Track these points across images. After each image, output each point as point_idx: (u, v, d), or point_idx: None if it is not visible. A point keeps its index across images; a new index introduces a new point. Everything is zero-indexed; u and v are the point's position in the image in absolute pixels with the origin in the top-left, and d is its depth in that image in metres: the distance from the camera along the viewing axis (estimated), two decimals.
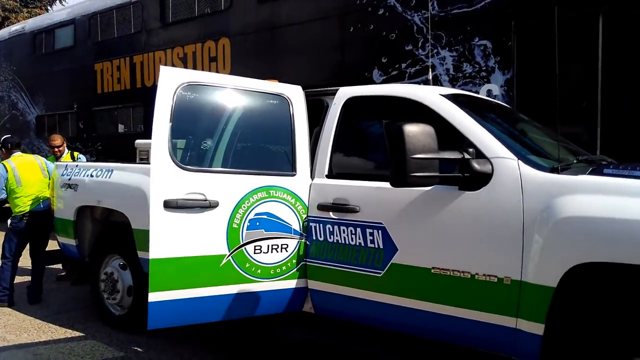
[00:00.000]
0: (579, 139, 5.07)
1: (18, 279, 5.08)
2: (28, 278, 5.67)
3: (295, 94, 3.24)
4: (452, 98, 2.90)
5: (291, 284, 3.06)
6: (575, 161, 2.76)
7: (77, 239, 4.51)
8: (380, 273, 2.79)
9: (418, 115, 2.83)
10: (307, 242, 3.08)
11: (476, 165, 2.50)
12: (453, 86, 5.85)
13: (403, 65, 6.25)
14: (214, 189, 2.81)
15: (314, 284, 3.08)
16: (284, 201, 3.02)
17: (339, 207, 2.96)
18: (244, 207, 2.88)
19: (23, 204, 4.87)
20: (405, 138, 2.35)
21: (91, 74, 9.70)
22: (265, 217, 2.96)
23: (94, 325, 4.13)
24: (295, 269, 3.06)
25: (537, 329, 2.30)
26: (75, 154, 6.16)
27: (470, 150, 2.54)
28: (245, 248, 2.89)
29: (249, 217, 2.90)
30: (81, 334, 3.96)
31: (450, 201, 2.58)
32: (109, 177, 4.19)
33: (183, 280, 2.71)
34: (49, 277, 5.76)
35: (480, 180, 2.51)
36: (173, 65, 8.49)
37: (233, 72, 7.72)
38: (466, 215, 2.54)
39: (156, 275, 2.63)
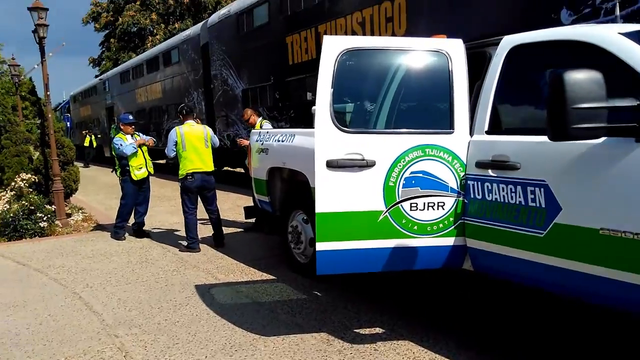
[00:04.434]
0: None
1: (225, 230, 6.11)
2: (230, 229, 6.78)
3: (454, 49, 3.17)
4: (636, 36, 2.52)
5: (449, 241, 3.10)
6: None
7: (269, 196, 5.20)
8: (542, 233, 2.65)
9: (592, 59, 2.56)
10: (465, 201, 3.06)
11: None
12: None
13: (597, 1, 5.43)
14: (370, 149, 2.99)
15: (472, 242, 3.07)
16: (440, 159, 3.04)
17: (498, 164, 2.87)
18: (400, 165, 3.00)
19: (185, 167, 5.71)
20: (566, 86, 2.17)
21: (284, 47, 10.62)
22: (420, 175, 3.03)
23: (284, 270, 4.78)
24: (453, 227, 3.09)
25: None
26: (262, 122, 6.91)
27: None
28: (401, 205, 3.02)
29: (404, 176, 3.01)
30: (273, 277, 4.63)
31: (623, 155, 2.30)
32: (292, 142, 4.71)
33: (345, 233, 2.98)
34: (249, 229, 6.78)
35: None
36: (353, 32, 8.82)
37: (408, 32, 7.70)
38: None
39: (322, 228, 2.95)
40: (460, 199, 3.07)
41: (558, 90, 2.18)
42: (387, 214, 3.01)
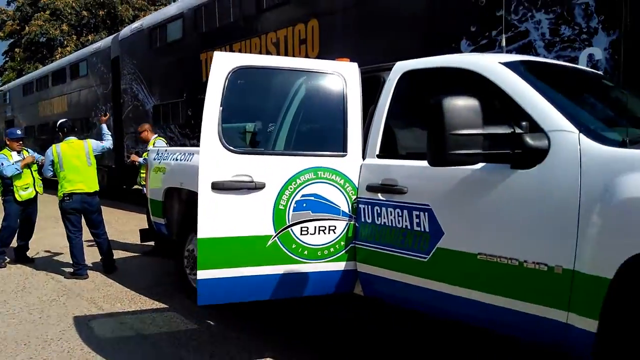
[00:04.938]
0: None
1: (120, 254, 5.68)
2: (127, 253, 6.33)
3: (349, 72, 3.15)
4: (514, 66, 2.61)
5: (340, 266, 3.02)
6: None
7: (165, 217, 4.90)
8: (425, 258, 2.64)
9: (475, 87, 2.63)
10: (357, 224, 3.01)
11: (529, 140, 2.24)
12: (549, 52, 5.28)
13: (493, 33, 5.76)
14: (260, 170, 2.85)
15: (363, 267, 3.01)
16: (332, 182, 2.97)
17: (387, 187, 2.85)
18: (291, 188, 2.89)
19: (63, 188, 5.28)
20: (444, 112, 2.17)
21: (197, 63, 10.35)
22: (312, 198, 2.94)
23: (180, 298, 4.47)
24: (344, 251, 3.01)
25: (590, 325, 2.02)
26: (156, 139, 6.58)
27: (524, 123, 2.27)
28: (291, 229, 2.90)
29: (295, 199, 2.90)
30: (165, 306, 4.31)
31: (500, 181, 2.35)
32: (190, 161, 4.47)
33: (230, 259, 2.81)
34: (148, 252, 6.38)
35: (535, 156, 2.24)
36: (267, 51, 8.75)
37: (320, 55, 7.76)
38: (516, 196, 2.29)
39: (204, 254, 2.75)
40: (352, 222, 3.02)
41: (437, 116, 2.18)
42: (276, 238, 2.88)
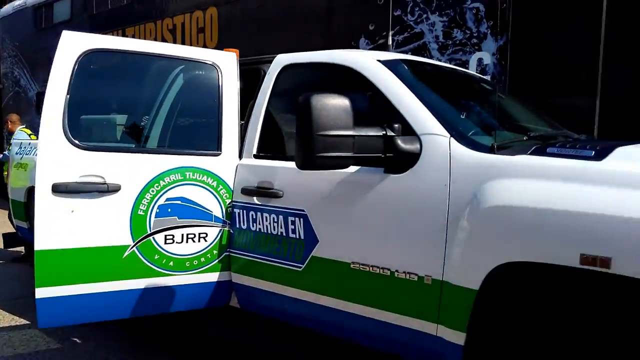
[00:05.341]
0: (577, 113, 4.54)
1: None
2: None
3: (226, 62, 2.86)
4: (393, 64, 2.48)
5: (213, 277, 2.74)
6: (525, 138, 2.31)
7: (29, 221, 4.32)
8: (300, 267, 2.44)
9: (353, 84, 2.47)
10: (231, 231, 2.74)
11: (401, 143, 2.11)
12: (442, 55, 5.35)
13: (391, 33, 5.75)
14: (115, 170, 2.49)
15: (238, 278, 2.75)
16: (203, 184, 2.68)
17: (263, 191, 2.61)
18: (152, 191, 2.56)
19: None
20: (312, 112, 1.97)
21: None
22: (179, 202, 2.63)
23: None
24: (217, 261, 2.74)
25: (458, 338, 1.92)
26: (19, 130, 5.91)
27: (396, 125, 2.13)
28: (153, 237, 2.57)
29: (158, 203, 2.57)
30: (27, 322, 3.78)
31: (373, 185, 2.20)
32: None
33: (77, 275, 2.42)
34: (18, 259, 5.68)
35: (407, 161, 2.11)
36: (163, 38, 8.19)
37: (220, 45, 7.36)
38: (389, 202, 2.15)
39: (43, 269, 2.34)
40: (226, 229, 2.74)
41: (304, 115, 1.98)
42: (134, 248, 2.53)
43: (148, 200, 2.55)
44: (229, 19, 7.31)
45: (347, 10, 6.08)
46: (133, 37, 8.74)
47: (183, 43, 7.84)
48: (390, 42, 3.71)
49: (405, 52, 5.43)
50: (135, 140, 2.96)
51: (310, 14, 6.43)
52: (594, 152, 1.84)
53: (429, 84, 2.55)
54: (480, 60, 5.09)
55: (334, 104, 1.99)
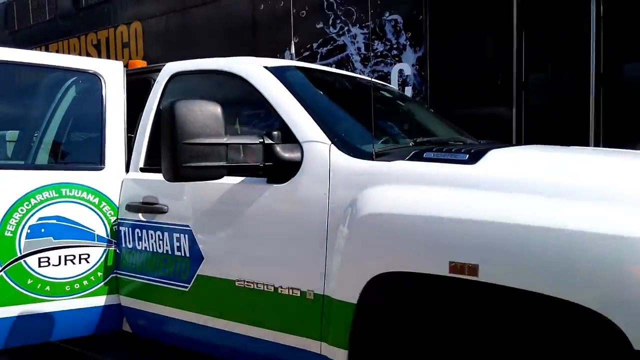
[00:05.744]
0: (495, 118, 4.63)
1: None
2: None
3: (110, 71, 2.69)
4: (280, 71, 2.38)
5: (98, 301, 2.53)
6: (412, 144, 2.25)
7: None
8: (187, 287, 2.28)
9: (241, 91, 2.37)
10: (117, 251, 2.55)
11: (280, 151, 2.00)
12: (364, 67, 5.36)
13: (315, 45, 5.73)
14: None
15: (126, 301, 2.55)
16: (82, 201, 2.47)
17: (148, 207, 2.44)
18: (21, 210, 2.33)
19: None
20: (176, 119, 1.83)
21: None
22: (54, 221, 2.41)
23: None
24: (103, 283, 2.53)
25: (341, 355, 1.81)
26: None
27: (275, 133, 2.03)
28: (25, 261, 2.34)
29: (29, 223, 2.35)
30: None
31: (256, 197, 2.08)
32: None
33: None
34: None
35: (289, 170, 2.01)
36: (88, 53, 7.88)
37: (145, 58, 7.14)
38: (270, 214, 2.04)
39: None
40: (112, 248, 2.54)
41: (168, 122, 1.84)
42: (2, 273, 2.29)
43: (17, 221, 2.32)
44: (153, 33, 7.12)
45: (271, 23, 6.03)
46: (57, 52, 8.37)
47: (108, 58, 7.56)
48: (293, 50, 3.63)
49: (330, 65, 5.41)
50: (23, 157, 2.73)
51: (236, 28, 6.34)
52: (467, 156, 1.79)
53: (319, 91, 2.48)
54: (401, 71, 5.13)
55: (202, 110, 1.86)
